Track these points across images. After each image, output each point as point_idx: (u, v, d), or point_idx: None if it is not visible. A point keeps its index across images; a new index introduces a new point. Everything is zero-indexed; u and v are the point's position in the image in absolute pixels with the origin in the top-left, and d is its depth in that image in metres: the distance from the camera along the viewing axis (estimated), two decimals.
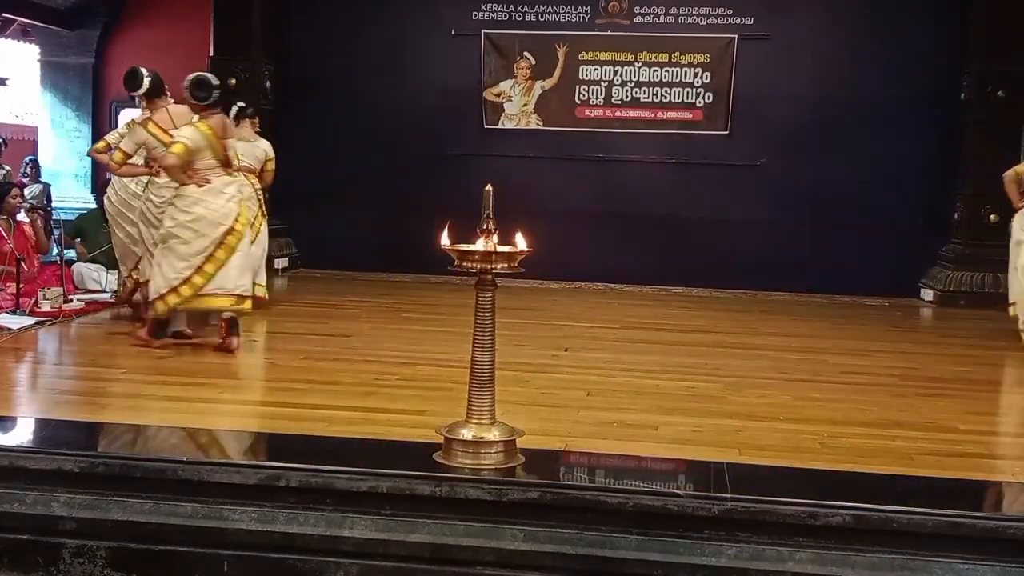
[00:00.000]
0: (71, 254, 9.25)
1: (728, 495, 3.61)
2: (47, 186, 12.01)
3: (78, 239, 9.04)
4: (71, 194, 12.57)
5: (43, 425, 4.53)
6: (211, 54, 10.92)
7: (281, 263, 10.89)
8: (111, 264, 8.56)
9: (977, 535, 3.45)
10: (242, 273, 6.41)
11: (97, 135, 12.62)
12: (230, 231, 6.29)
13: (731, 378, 6.09)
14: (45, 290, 7.60)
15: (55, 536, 3.72)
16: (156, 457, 3.87)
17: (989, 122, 10.07)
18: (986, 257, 9.91)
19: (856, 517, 3.49)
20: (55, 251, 9.12)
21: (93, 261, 8.77)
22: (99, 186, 12.34)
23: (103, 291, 8.41)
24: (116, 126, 12.67)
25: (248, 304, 6.51)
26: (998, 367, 6.88)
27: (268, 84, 11.02)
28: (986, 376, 6.51)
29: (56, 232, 9.18)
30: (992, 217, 10.04)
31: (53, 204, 11.79)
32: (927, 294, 10.28)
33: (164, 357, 6.47)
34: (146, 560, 3.68)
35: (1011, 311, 8.07)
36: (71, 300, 7.77)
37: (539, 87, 11.09)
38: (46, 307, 7.40)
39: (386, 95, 10.30)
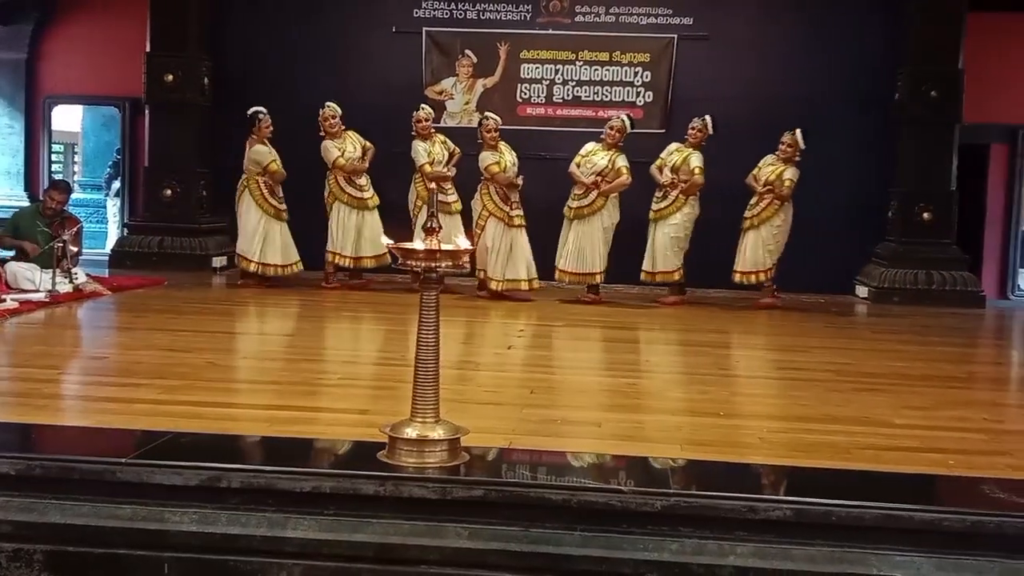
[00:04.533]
0: (4, 253, 9.06)
1: (670, 490, 3.64)
2: None
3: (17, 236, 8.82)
4: (2, 191, 12.32)
5: None
6: (148, 50, 10.77)
7: (219, 262, 10.76)
8: (46, 263, 8.41)
9: (913, 527, 3.51)
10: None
11: (30, 132, 12.39)
12: None
13: (671, 374, 6.15)
14: None
15: None
16: (94, 459, 3.80)
17: (923, 121, 10.26)
18: (920, 255, 10.12)
19: (796, 511, 3.54)
20: None
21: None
22: (31, 184, 12.15)
23: (37, 291, 8.25)
24: (49, 123, 12.48)
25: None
26: (931, 362, 7.01)
27: (206, 80, 10.89)
28: (920, 371, 6.63)
29: None
30: (925, 215, 10.25)
31: None
32: (862, 291, 10.46)
33: (100, 357, 6.39)
34: (85, 563, 3.62)
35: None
36: (4, 300, 7.62)
37: (481, 85, 11.10)
38: None
39: (326, 92, 10.20)
